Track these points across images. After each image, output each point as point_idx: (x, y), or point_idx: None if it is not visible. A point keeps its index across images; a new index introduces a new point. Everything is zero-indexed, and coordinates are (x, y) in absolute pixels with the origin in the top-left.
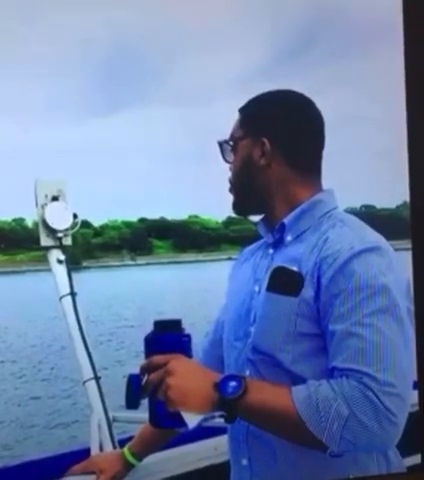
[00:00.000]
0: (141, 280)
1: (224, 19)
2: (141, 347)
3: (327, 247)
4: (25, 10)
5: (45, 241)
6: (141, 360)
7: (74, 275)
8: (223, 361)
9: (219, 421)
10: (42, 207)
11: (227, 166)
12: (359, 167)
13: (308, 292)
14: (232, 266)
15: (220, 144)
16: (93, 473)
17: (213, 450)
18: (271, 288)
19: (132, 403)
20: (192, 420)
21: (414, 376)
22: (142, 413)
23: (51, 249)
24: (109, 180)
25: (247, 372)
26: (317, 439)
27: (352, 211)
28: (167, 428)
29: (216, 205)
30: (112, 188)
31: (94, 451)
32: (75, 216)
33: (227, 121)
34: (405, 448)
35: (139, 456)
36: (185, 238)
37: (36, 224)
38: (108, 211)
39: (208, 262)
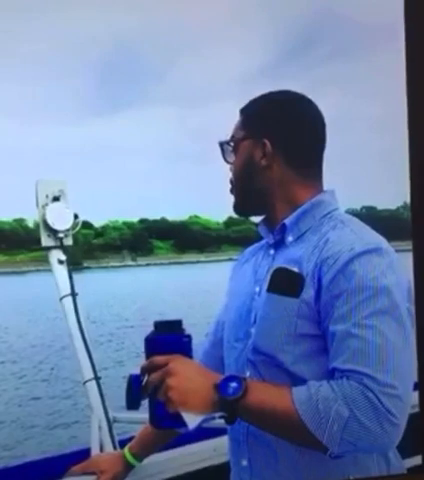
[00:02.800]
0: (142, 281)
1: (225, 20)
2: (141, 348)
3: (328, 248)
4: (25, 10)
5: (46, 241)
6: (141, 361)
7: (75, 275)
8: (223, 362)
9: (219, 422)
10: (43, 207)
11: (228, 167)
12: (360, 168)
13: (309, 293)
14: (233, 267)
15: (221, 145)
16: (93, 473)
17: (212, 451)
18: (272, 289)
19: (132, 404)
20: (192, 421)
21: (414, 377)
22: (142, 414)
23: (52, 249)
24: (110, 181)
25: (247, 373)
26: (317, 440)
27: (353, 212)
28: (167, 429)
29: (217, 206)
30: (113, 189)
31: (94, 451)
32: (76, 216)
33: (228, 122)
34: (405, 449)
35: (139, 457)
36: (186, 239)
37: (37, 224)
38: (109, 212)
39: (209, 263)
